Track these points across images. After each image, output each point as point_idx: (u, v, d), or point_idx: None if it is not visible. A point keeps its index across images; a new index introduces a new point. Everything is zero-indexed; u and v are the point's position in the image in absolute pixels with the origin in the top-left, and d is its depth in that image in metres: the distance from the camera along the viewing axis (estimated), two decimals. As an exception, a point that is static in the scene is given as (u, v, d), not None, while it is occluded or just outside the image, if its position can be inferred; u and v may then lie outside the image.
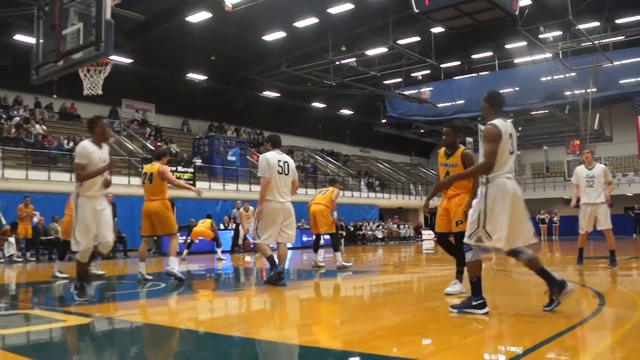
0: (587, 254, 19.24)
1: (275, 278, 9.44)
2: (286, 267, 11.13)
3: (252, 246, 26.56)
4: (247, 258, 21.31)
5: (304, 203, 17.35)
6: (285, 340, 5.41)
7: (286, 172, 9.82)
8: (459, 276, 7.97)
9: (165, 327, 6.47)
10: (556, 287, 6.21)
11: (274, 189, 9.63)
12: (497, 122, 6.40)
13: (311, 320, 6.92)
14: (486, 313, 6.22)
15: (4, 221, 20.96)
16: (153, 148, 33.86)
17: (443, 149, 8.32)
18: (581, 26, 32.36)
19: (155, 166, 11.29)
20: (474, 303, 6.33)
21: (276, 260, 9.71)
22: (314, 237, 15.51)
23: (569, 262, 16.32)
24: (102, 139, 8.30)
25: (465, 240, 6.43)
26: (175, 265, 10.87)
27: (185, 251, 20.74)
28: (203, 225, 21.19)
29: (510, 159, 6.39)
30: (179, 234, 12.35)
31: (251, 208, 24.74)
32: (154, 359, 4.89)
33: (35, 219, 21.44)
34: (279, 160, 9.79)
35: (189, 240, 21.09)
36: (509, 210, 6.21)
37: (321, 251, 15.54)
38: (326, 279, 12.09)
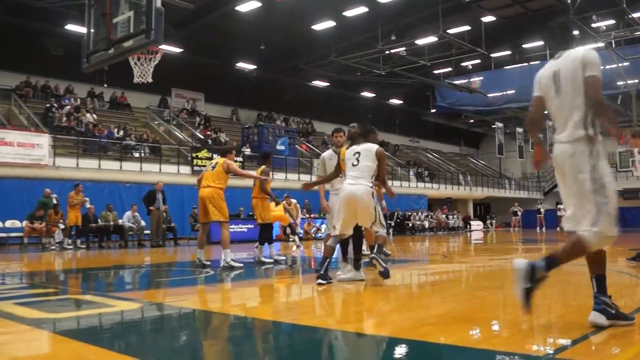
0: (639, 245, 18.93)
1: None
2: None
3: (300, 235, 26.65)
4: (294, 247, 21.29)
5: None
6: (335, 327, 5.39)
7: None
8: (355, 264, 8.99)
9: (212, 312, 6.50)
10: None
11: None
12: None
13: (360, 307, 6.89)
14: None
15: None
16: (202, 137, 34.14)
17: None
18: (635, 14, 31.76)
19: (222, 159, 11.69)
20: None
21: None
22: None
23: (619, 252, 16.08)
24: None
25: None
26: (229, 257, 11.07)
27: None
28: (277, 209, 20.85)
29: (352, 170, 8.27)
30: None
31: (293, 200, 24.66)
32: (201, 344, 4.91)
33: (87, 205, 21.68)
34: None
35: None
36: (344, 207, 8.19)
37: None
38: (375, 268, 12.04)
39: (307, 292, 8.21)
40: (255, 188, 12.57)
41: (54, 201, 21.46)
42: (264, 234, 12.82)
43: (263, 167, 12.53)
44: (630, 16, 31.45)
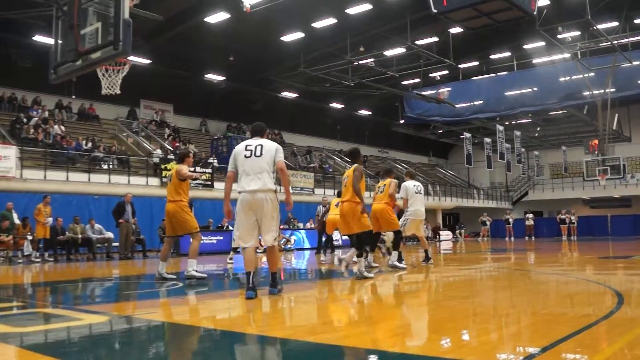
0: (606, 253, 19.15)
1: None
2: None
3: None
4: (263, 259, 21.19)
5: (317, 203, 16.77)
6: (304, 339, 5.39)
7: (257, 154, 8.28)
8: None
9: (181, 325, 6.47)
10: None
11: (241, 177, 8.34)
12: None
13: (330, 318, 6.91)
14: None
15: (17, 221, 21.12)
16: (171, 148, 33.97)
17: None
18: (600, 26, 32.13)
19: (175, 167, 11.40)
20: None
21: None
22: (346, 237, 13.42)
23: (587, 261, 16.25)
24: None
25: None
26: (193, 267, 10.97)
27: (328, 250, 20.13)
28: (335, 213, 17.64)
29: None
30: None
31: None
32: (169, 357, 4.89)
33: (50, 220, 21.33)
34: (248, 145, 8.41)
35: (324, 237, 19.85)
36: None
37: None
38: (344, 279, 12.03)
39: (276, 304, 8.20)
40: None
41: (15, 217, 21.15)
42: None
43: None
44: (595, 28, 31.80)
